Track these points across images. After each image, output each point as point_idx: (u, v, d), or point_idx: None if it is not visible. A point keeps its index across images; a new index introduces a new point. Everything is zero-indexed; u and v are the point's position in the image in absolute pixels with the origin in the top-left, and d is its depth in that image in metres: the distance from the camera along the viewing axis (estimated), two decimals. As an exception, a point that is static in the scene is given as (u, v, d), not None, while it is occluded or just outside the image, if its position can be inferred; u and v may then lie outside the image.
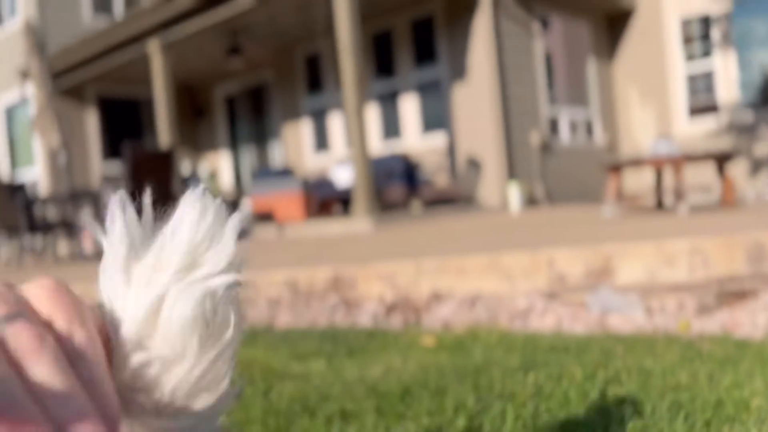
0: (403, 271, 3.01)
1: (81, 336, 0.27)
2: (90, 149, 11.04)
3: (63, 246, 7.50)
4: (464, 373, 1.69)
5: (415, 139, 9.15)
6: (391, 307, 2.84)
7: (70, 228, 6.81)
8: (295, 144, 10.87)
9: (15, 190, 6.75)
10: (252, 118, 11.82)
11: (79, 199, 6.76)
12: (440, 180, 8.57)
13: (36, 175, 10.99)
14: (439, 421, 1.31)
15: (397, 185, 7.61)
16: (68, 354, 0.26)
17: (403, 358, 1.91)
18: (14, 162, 11.84)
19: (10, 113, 11.82)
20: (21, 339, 0.24)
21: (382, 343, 2.17)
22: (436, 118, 8.91)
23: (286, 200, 7.47)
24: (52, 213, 6.98)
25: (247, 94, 11.80)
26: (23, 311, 0.26)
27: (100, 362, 0.27)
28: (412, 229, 5.77)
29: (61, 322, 0.27)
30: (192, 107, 12.36)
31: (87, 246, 7.27)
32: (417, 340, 2.18)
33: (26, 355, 0.24)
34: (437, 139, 8.89)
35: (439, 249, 3.56)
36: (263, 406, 1.48)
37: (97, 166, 11.03)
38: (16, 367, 0.23)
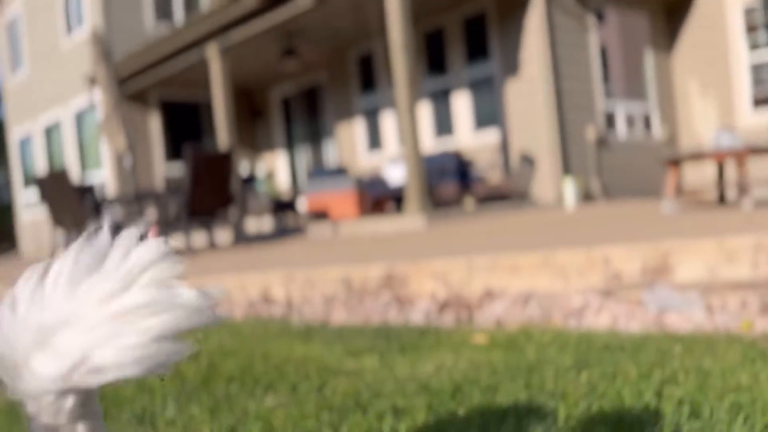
0: (455, 268, 3.02)
1: None
2: (153, 151, 11.45)
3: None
4: (516, 372, 1.69)
5: (468, 136, 9.10)
6: (443, 304, 2.85)
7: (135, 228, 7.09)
8: (349, 143, 10.99)
9: (84, 192, 7.08)
10: (307, 118, 12.01)
11: (143, 199, 7.03)
12: (493, 176, 8.50)
13: (104, 177, 11.48)
14: (489, 420, 1.33)
15: (450, 182, 7.59)
16: None
17: (455, 356, 1.93)
18: (84, 165, 12.40)
19: (80, 118, 12.38)
20: None
21: (434, 341, 2.19)
22: (488, 115, 8.84)
23: (340, 199, 7.57)
24: (118, 213, 7.29)
25: (302, 95, 11.99)
26: None
27: None
28: (465, 226, 5.75)
29: None
30: (249, 109, 12.65)
31: (151, 245, 7.55)
32: (469, 337, 2.19)
33: None
34: (490, 136, 8.82)
35: (492, 246, 3.55)
36: (317, 401, 1.52)
37: (160, 167, 11.43)
38: None
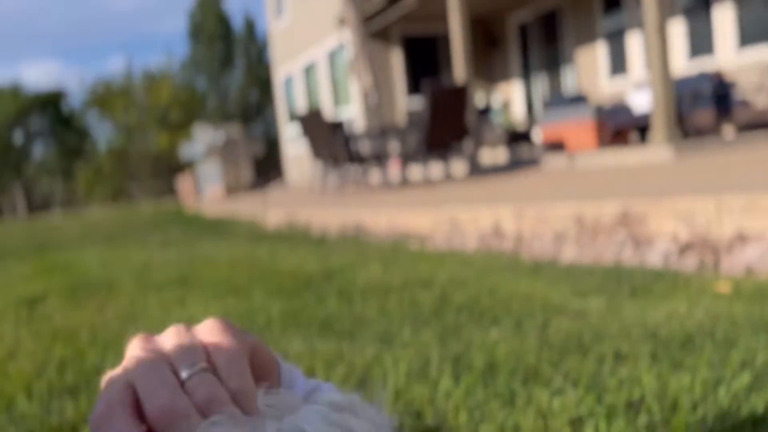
0: (701, 207, 2.79)
1: (236, 385, 0.38)
2: (395, 86, 12.05)
3: (374, 175, 8.48)
4: (760, 326, 1.57)
5: (730, 55, 7.96)
6: (685, 246, 2.67)
7: (380, 160, 7.66)
8: (589, 69, 10.34)
9: (336, 127, 7.80)
10: (544, 45, 11.53)
11: (387, 134, 7.52)
12: (761, 100, 7.38)
13: (352, 112, 12.44)
14: (719, 375, 1.28)
15: (705, 108, 6.78)
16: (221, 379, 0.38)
17: (690, 304, 1.84)
18: (336, 101, 13.54)
19: (332, 57, 13.45)
20: (202, 387, 0.37)
21: (670, 286, 2.10)
22: (758, 28, 7.60)
23: (578, 129, 7.26)
24: (365, 147, 7.91)
25: (540, 20, 11.49)
26: (199, 359, 0.38)
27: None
28: (719, 158, 5.16)
29: (227, 373, 0.38)
30: (486, 38, 12.53)
31: (393, 175, 8.11)
32: (710, 285, 2.06)
33: (207, 401, 0.36)
34: (759, 53, 7.60)
35: (750, 183, 3.18)
36: (539, 338, 1.59)
37: (402, 102, 12.01)
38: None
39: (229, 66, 34.29)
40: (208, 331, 0.40)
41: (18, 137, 35.05)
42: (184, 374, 0.37)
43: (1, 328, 2.40)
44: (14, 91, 34.46)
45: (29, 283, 3.56)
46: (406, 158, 7.50)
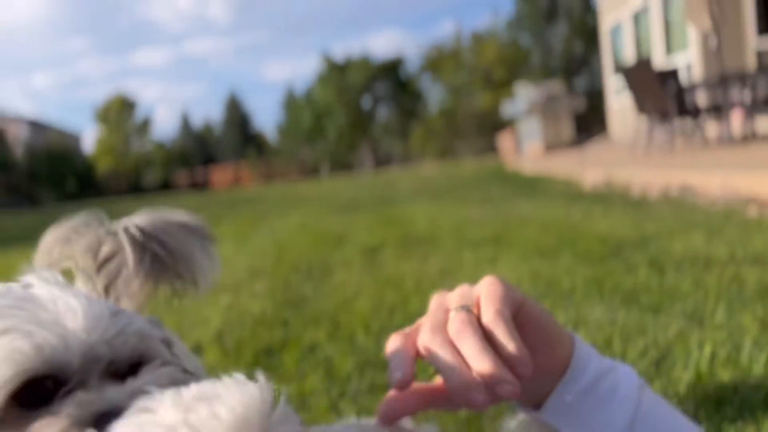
0: None
1: (491, 317, 0.47)
2: (745, 25, 10.41)
3: (711, 129, 7.56)
4: None
5: None
6: None
7: (718, 112, 6.80)
8: None
9: (667, 77, 7.12)
10: None
11: (728, 81, 6.62)
12: None
13: (689, 58, 11.17)
14: None
15: None
16: (484, 329, 0.47)
17: None
18: (669, 48, 12.31)
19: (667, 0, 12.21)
20: (456, 322, 0.47)
21: None
22: None
23: None
24: (701, 97, 7.09)
25: None
26: (469, 303, 0.49)
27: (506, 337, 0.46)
28: None
29: (485, 309, 0.48)
30: None
31: (734, 129, 7.12)
32: None
33: (457, 332, 0.47)
34: None
35: None
36: None
37: (752, 43, 10.34)
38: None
39: (553, 19, 33.57)
40: (483, 283, 0.52)
41: (366, 102, 40.02)
42: (451, 314, 0.49)
43: (351, 271, 2.90)
44: (364, 61, 39.25)
45: (371, 233, 4.17)
46: (753, 109, 6.51)
